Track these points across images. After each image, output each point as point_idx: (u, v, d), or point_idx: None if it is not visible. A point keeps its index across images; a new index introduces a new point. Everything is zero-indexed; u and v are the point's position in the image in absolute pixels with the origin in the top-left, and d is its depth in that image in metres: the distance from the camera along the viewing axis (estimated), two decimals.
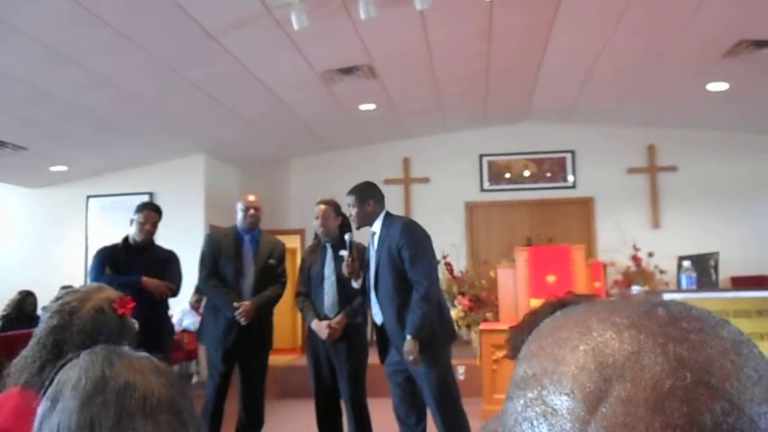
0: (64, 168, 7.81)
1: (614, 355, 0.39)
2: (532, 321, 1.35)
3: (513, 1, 4.60)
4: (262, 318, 3.91)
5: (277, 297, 4.01)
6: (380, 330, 3.40)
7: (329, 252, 3.79)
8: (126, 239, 4.13)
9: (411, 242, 3.25)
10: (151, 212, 4.13)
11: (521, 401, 0.42)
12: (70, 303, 1.41)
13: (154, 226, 4.13)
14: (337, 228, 3.81)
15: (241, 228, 3.98)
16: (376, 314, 3.39)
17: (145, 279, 3.88)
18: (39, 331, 1.41)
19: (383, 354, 3.43)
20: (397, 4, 4.37)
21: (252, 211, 3.96)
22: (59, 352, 1.34)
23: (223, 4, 4.31)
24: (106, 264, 4.00)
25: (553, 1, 4.75)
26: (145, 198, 7.94)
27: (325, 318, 3.70)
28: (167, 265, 4.15)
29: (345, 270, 3.48)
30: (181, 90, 5.72)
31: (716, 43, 5.33)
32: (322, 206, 3.80)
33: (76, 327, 1.37)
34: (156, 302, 3.90)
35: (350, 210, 3.46)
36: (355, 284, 3.50)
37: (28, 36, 4.28)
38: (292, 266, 10.07)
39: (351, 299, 3.71)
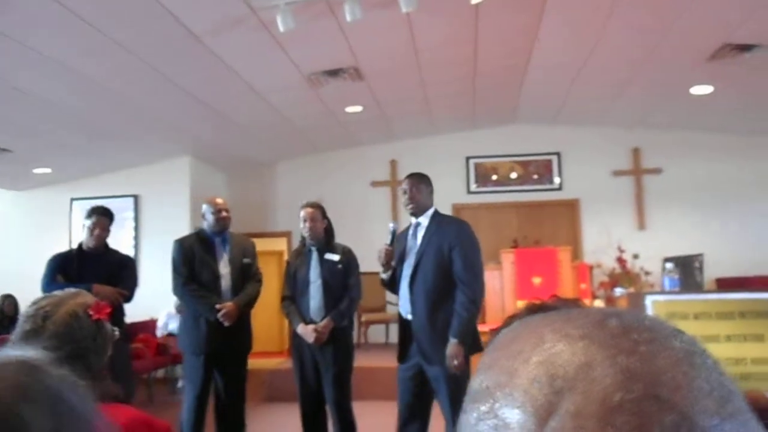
0: (48, 170, 7.73)
1: (565, 367, 0.38)
2: (512, 324, 1.34)
3: (499, 4, 4.61)
4: (242, 320, 3.87)
5: (257, 295, 3.98)
6: (404, 326, 3.33)
7: (315, 255, 3.77)
8: (80, 245, 4.04)
9: (466, 244, 3.27)
10: (101, 217, 4.02)
11: (474, 414, 0.41)
12: (44, 308, 1.39)
13: (105, 230, 4.03)
14: (323, 231, 3.80)
15: (212, 231, 3.92)
16: (404, 308, 3.32)
17: (96, 286, 3.76)
18: (13, 336, 1.38)
19: (403, 353, 3.32)
20: (382, 6, 4.37)
21: (224, 214, 3.92)
22: None
23: (209, 7, 4.29)
24: (59, 271, 3.91)
25: (539, 3, 4.77)
26: (130, 201, 7.90)
27: (312, 322, 3.68)
28: (121, 270, 4.05)
29: (381, 258, 3.34)
30: (167, 92, 5.68)
31: (701, 46, 5.39)
32: (310, 209, 3.78)
33: (49, 332, 1.35)
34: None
35: (409, 194, 3.35)
36: (384, 275, 3.40)
37: (11, 38, 4.23)
38: (278, 269, 10.08)
39: (337, 303, 3.69)
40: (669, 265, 3.48)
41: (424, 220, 3.38)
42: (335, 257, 3.75)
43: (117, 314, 4.00)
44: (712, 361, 0.40)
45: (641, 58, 5.76)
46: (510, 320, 1.40)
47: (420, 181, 3.42)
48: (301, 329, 3.67)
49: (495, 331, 1.44)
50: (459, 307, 3.17)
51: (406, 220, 3.67)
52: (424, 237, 3.34)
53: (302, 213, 3.79)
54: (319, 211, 3.80)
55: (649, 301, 2.81)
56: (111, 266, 4.03)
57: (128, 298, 4.03)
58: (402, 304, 3.34)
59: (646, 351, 0.38)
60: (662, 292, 3.26)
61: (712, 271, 6.49)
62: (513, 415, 0.38)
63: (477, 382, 0.43)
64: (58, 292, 1.46)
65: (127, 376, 4.08)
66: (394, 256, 3.40)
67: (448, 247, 3.25)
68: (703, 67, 5.78)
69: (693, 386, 0.37)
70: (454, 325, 3.15)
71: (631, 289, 6.11)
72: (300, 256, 3.86)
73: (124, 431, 1.30)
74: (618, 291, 5.13)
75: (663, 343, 0.39)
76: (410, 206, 3.37)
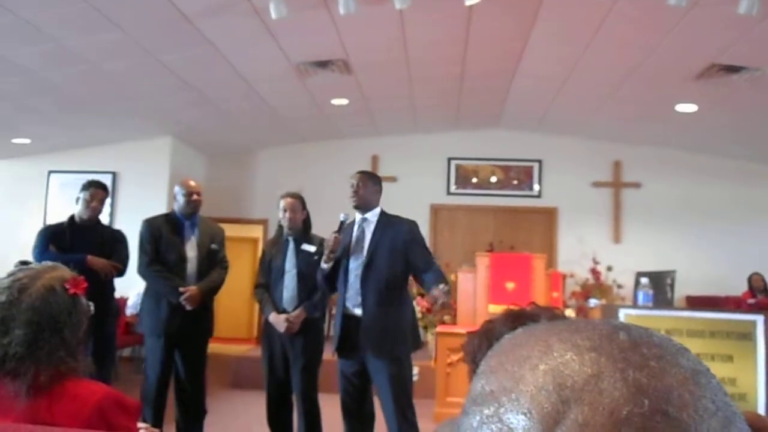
0: (26, 141, 7.60)
1: (573, 377, 0.39)
2: (490, 328, 1.35)
3: (492, 8, 4.62)
4: (204, 305, 3.84)
5: (222, 282, 3.96)
6: (347, 320, 3.34)
7: (291, 245, 3.76)
8: (72, 218, 4.04)
9: (420, 239, 3.44)
10: (98, 190, 4.05)
11: (477, 417, 0.41)
12: (20, 280, 1.38)
13: (101, 203, 4.07)
14: (301, 222, 3.79)
15: (182, 213, 3.89)
16: (351, 302, 3.33)
17: (90, 258, 3.80)
18: None
19: (344, 346, 3.35)
20: (376, 1, 4.35)
21: (195, 197, 3.88)
22: (6, 329, 1.32)
23: None
24: (51, 242, 3.91)
25: (532, 10, 4.79)
26: (108, 177, 7.79)
27: (284, 311, 3.67)
28: (114, 244, 4.07)
29: (329, 246, 3.35)
30: (153, 71, 5.60)
31: (688, 65, 5.45)
32: (290, 199, 3.77)
33: (25, 304, 1.34)
34: (101, 282, 3.81)
35: (355, 188, 3.41)
36: (325, 265, 3.39)
37: None
38: (253, 256, 10.03)
39: (311, 294, 3.68)
40: (644, 280, 3.52)
41: (372, 216, 3.44)
42: (312, 248, 3.74)
43: (108, 289, 3.98)
44: (716, 381, 0.41)
45: (628, 72, 5.81)
46: (489, 324, 1.41)
47: (368, 179, 3.50)
48: (273, 318, 3.67)
49: (472, 334, 1.44)
50: (436, 268, 3.29)
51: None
52: (375, 233, 3.38)
53: (282, 203, 3.78)
54: (299, 201, 3.80)
55: (622, 314, 2.84)
56: (103, 239, 4.03)
57: (121, 272, 4.05)
58: (349, 297, 3.35)
59: (655, 367, 0.39)
60: (635, 306, 3.30)
61: (683, 289, 6.59)
62: (518, 420, 0.39)
63: (479, 385, 0.43)
64: (35, 265, 1.44)
65: (110, 352, 4.06)
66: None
67: (402, 243, 3.33)
68: (690, 85, 5.85)
69: (699, 405, 0.38)
70: (434, 276, 3.22)
71: (604, 301, 6.18)
72: (276, 244, 3.86)
73: (96, 408, 1.28)
74: (592, 302, 5.19)
75: (671, 360, 0.40)
76: (354, 200, 3.42)
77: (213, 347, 4.05)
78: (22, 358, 1.28)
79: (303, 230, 3.79)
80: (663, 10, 4.34)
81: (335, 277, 3.42)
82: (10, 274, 1.40)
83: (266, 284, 3.81)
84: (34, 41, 4.77)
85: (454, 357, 4.87)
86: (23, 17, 4.39)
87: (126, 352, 7.16)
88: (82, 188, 4.06)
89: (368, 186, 3.45)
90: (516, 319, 1.32)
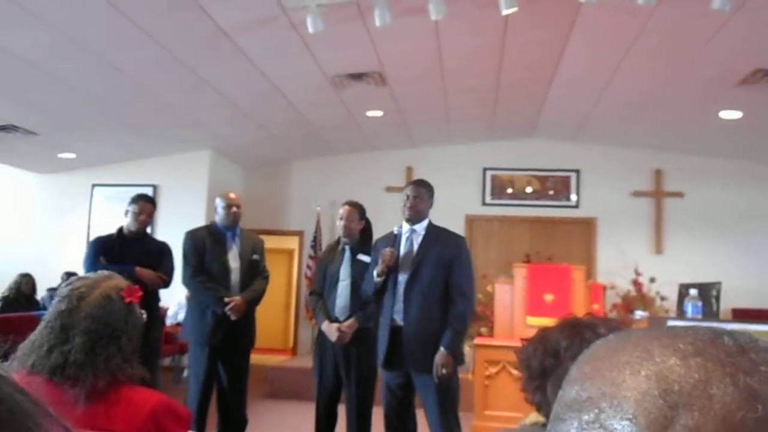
0: (72, 155, 7.83)
1: (680, 383, 0.38)
2: (545, 336, 1.35)
3: (529, 17, 4.59)
4: (247, 315, 3.90)
5: (263, 292, 4.01)
6: (393, 332, 3.31)
7: (348, 254, 3.75)
8: (120, 230, 4.16)
9: (466, 258, 3.35)
10: (146, 203, 4.17)
11: (575, 423, 0.41)
12: (79, 288, 1.43)
13: (149, 216, 4.18)
14: (359, 231, 3.78)
15: (223, 225, 3.97)
16: (397, 314, 3.31)
17: (138, 269, 3.89)
18: (48, 315, 1.42)
19: (390, 359, 3.31)
20: (412, 13, 4.37)
21: (234, 209, 3.96)
22: (66, 337, 1.36)
23: (240, 4, 4.32)
24: (101, 253, 4.03)
25: (569, 18, 4.75)
26: (149, 190, 7.97)
27: (336, 320, 3.66)
28: (160, 256, 4.18)
29: (385, 261, 3.29)
30: (191, 85, 5.72)
31: (731, 70, 5.33)
32: (347, 207, 3.78)
33: (83, 312, 1.39)
34: (148, 293, 3.89)
35: (412, 201, 3.37)
36: (378, 279, 3.35)
37: (45, 22, 4.28)
38: (288, 267, 10.11)
39: (363, 305, 3.64)
40: (693, 291, 3.43)
41: (420, 228, 3.39)
42: (367, 259, 3.70)
43: (153, 299, 4.07)
44: None
45: (668, 79, 5.71)
46: (544, 332, 1.40)
47: (425, 191, 3.45)
48: (326, 327, 3.66)
49: (526, 341, 1.44)
50: (454, 319, 3.20)
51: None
52: (422, 245, 3.35)
53: (340, 210, 3.79)
54: (356, 210, 3.79)
55: (669, 326, 2.77)
56: (150, 251, 4.14)
57: (167, 283, 4.15)
58: (397, 310, 3.32)
59: (766, 371, 0.39)
60: (683, 318, 3.22)
61: (727, 301, 6.40)
62: (622, 426, 0.38)
63: (574, 391, 0.43)
64: (91, 274, 1.49)
65: (154, 361, 4.15)
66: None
67: (448, 258, 3.28)
68: (733, 91, 5.72)
69: None
70: (448, 335, 3.17)
71: (648, 314, 6.04)
72: (332, 252, 3.86)
73: (150, 415, 1.31)
74: (638, 314, 5.07)
75: None
76: (409, 213, 3.38)
77: (251, 357, 4.09)
78: (81, 365, 1.32)
79: (361, 240, 3.77)
80: (704, 16, 4.26)
81: (384, 291, 3.39)
82: (69, 284, 1.45)
83: (321, 292, 3.81)
84: (78, 57, 4.92)
85: (493, 369, 4.81)
86: (68, 34, 4.53)
87: (166, 361, 7.27)
88: (130, 201, 4.16)
89: (424, 199, 3.41)
90: (573, 328, 1.31)
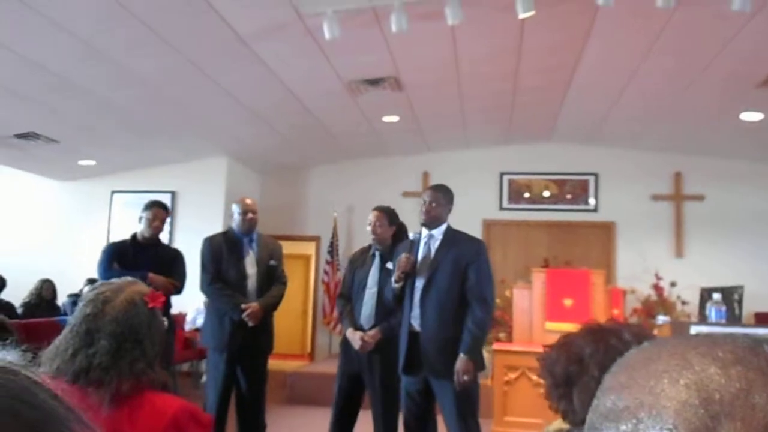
0: (92, 162, 7.93)
1: (720, 392, 0.38)
2: (569, 342, 1.33)
3: (545, 20, 4.57)
4: (265, 321, 3.90)
5: (281, 297, 4.01)
6: (411, 338, 3.28)
7: (377, 261, 3.69)
8: (134, 236, 4.19)
9: (484, 262, 3.30)
10: (159, 210, 4.21)
11: None
12: (104, 293, 1.45)
13: (163, 222, 4.22)
14: (389, 237, 3.71)
15: (239, 231, 3.98)
16: (415, 319, 3.28)
17: (151, 275, 3.92)
18: (73, 319, 1.45)
19: (409, 365, 3.29)
20: (428, 18, 4.37)
21: (251, 215, 3.97)
22: (91, 340, 1.38)
23: (257, 10, 4.35)
24: (114, 259, 4.07)
25: (587, 20, 4.72)
26: (168, 196, 8.04)
27: (360, 328, 3.62)
28: (173, 262, 4.20)
29: (401, 266, 3.28)
30: (210, 92, 5.77)
31: (751, 72, 5.26)
32: (376, 212, 3.72)
33: (108, 316, 1.40)
34: None
35: (428, 206, 3.34)
36: (396, 285, 3.33)
37: (66, 30, 4.35)
38: (305, 273, 10.14)
39: (389, 313, 3.58)
40: (716, 296, 3.37)
41: (438, 233, 3.36)
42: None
43: (166, 305, 4.09)
44: None
45: (688, 81, 5.64)
46: (567, 338, 1.38)
47: (442, 196, 3.41)
48: (350, 334, 3.63)
49: (548, 348, 1.42)
50: (473, 323, 3.16)
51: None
52: (439, 249, 3.32)
53: (369, 216, 3.74)
54: (385, 215, 3.72)
55: (693, 331, 2.73)
56: (163, 258, 4.17)
57: (179, 290, 4.17)
58: (414, 315, 3.30)
59: None
60: (706, 323, 3.17)
61: (750, 305, 6.30)
62: None
63: (609, 401, 0.42)
64: (116, 280, 1.51)
65: (168, 365, 4.17)
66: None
67: (465, 262, 3.24)
68: (755, 93, 5.64)
69: None
70: (466, 340, 3.14)
71: (670, 318, 5.97)
72: (364, 255, 3.81)
73: (172, 420, 1.32)
74: (660, 319, 5.00)
75: None
76: (425, 218, 3.35)
77: (269, 362, 4.10)
78: (106, 368, 1.33)
79: (392, 247, 3.67)
80: (724, 18, 4.21)
81: (404, 296, 3.37)
82: (94, 288, 1.47)
83: (349, 295, 3.77)
84: (98, 65, 4.98)
85: (512, 375, 4.77)
86: (88, 42, 4.59)
87: (185, 366, 7.31)
88: (144, 208, 4.20)
89: (441, 203, 3.37)
90: (596, 334, 1.29)
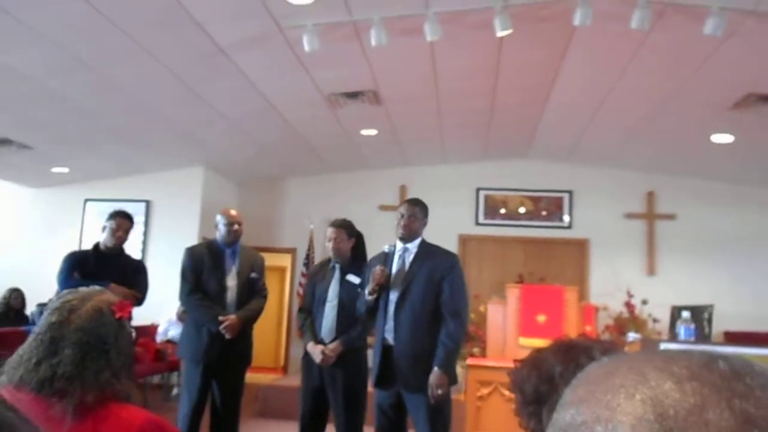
0: (65, 170, 7.80)
1: (675, 407, 0.38)
2: (539, 358, 1.33)
3: (523, 38, 4.64)
4: (243, 333, 3.86)
5: (261, 310, 3.98)
6: (386, 351, 3.27)
7: (337, 274, 3.71)
8: (96, 245, 4.12)
9: (458, 276, 3.30)
10: (123, 219, 4.13)
11: None
12: (70, 301, 1.41)
13: (126, 233, 4.14)
14: (349, 250, 3.73)
15: (223, 242, 3.94)
16: (388, 332, 3.28)
17: (112, 286, 3.81)
18: (37, 327, 1.41)
19: (383, 379, 3.28)
20: (408, 34, 4.41)
21: (236, 227, 3.94)
22: (56, 350, 1.34)
23: (237, 21, 4.34)
24: (75, 269, 3.98)
25: (564, 40, 4.80)
26: (142, 205, 7.94)
27: (321, 342, 3.61)
28: (135, 273, 4.13)
29: (376, 279, 3.27)
30: (188, 102, 5.73)
31: (724, 94, 5.39)
32: (333, 229, 3.73)
33: (74, 325, 1.37)
34: None
35: (406, 220, 3.34)
36: (369, 297, 3.32)
37: (42, 36, 4.29)
38: (280, 285, 10.06)
39: (350, 326, 3.60)
40: (685, 314, 3.43)
41: (413, 247, 3.38)
42: (357, 280, 3.66)
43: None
44: None
45: (661, 102, 5.76)
46: (538, 354, 1.39)
47: (419, 210, 3.43)
48: (311, 347, 3.62)
49: (519, 363, 1.42)
50: (446, 337, 3.17)
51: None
52: (413, 263, 3.33)
53: (327, 232, 3.75)
54: (344, 230, 3.73)
55: (663, 348, 2.76)
56: (125, 268, 4.10)
57: (140, 302, 4.09)
58: (388, 329, 3.29)
59: (761, 396, 0.38)
60: (676, 341, 3.21)
61: (719, 324, 6.40)
62: None
63: (568, 415, 0.42)
64: (84, 289, 1.47)
65: (130, 378, 4.07)
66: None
67: (439, 276, 3.25)
68: (726, 115, 5.78)
69: None
70: (440, 354, 3.14)
71: (641, 336, 6.04)
72: (323, 269, 3.82)
73: None
74: (631, 336, 5.06)
75: None
76: (402, 232, 3.36)
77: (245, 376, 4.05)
78: (70, 378, 1.30)
79: (352, 257, 3.72)
80: (698, 41, 4.31)
81: (377, 309, 3.36)
82: (61, 296, 1.44)
83: (309, 309, 3.77)
84: (74, 72, 4.92)
85: (485, 390, 4.78)
86: (65, 49, 4.54)
87: (155, 379, 7.19)
88: (108, 217, 4.13)
89: (418, 218, 3.39)
90: (567, 352, 1.30)
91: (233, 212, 4.00)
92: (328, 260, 3.82)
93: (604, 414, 0.40)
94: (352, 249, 3.76)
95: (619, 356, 0.45)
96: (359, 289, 3.59)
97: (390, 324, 3.28)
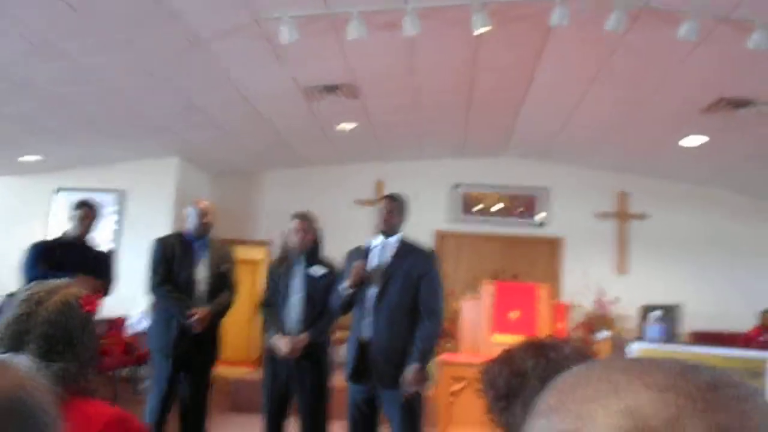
0: (36, 158, 7.63)
1: (651, 419, 0.37)
2: (510, 356, 1.34)
3: (500, 37, 4.66)
4: (212, 329, 3.83)
5: (230, 304, 3.95)
6: (362, 346, 3.26)
7: (300, 267, 3.71)
8: (63, 235, 4.08)
9: (436, 275, 3.31)
10: (89, 209, 4.10)
11: None
12: (37, 293, 1.38)
13: (92, 222, 4.10)
14: (311, 242, 3.74)
15: (194, 234, 3.90)
16: (365, 327, 3.27)
17: (79, 277, 3.77)
18: (2, 320, 1.37)
19: (357, 373, 3.27)
20: (386, 28, 4.40)
21: (207, 218, 3.90)
22: (21, 342, 1.31)
23: (213, 12, 4.28)
24: (41, 259, 3.92)
25: (540, 40, 4.83)
26: (115, 195, 7.81)
27: (289, 334, 3.61)
28: (102, 264, 4.10)
29: (357, 274, 3.25)
30: (162, 92, 5.65)
31: (696, 98, 5.47)
32: (298, 221, 3.73)
33: (41, 317, 1.34)
34: None
35: (386, 215, 3.34)
36: (347, 291, 3.29)
37: (14, 23, 4.18)
38: (254, 278, 9.99)
39: (317, 318, 3.62)
40: (656, 314, 3.48)
41: (392, 242, 3.38)
42: (320, 271, 3.69)
43: None
44: None
45: (635, 104, 5.84)
46: (509, 353, 1.39)
47: (399, 205, 3.44)
48: (276, 339, 3.61)
49: (490, 362, 1.43)
50: (423, 334, 3.18)
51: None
52: (392, 259, 3.32)
53: (292, 224, 3.74)
54: (308, 222, 3.75)
55: (634, 348, 2.80)
56: (91, 259, 4.05)
57: (107, 291, 4.04)
58: (365, 324, 3.29)
59: (738, 408, 0.38)
60: (646, 341, 3.25)
61: (689, 323, 6.53)
62: None
63: (540, 424, 0.41)
64: (52, 281, 1.44)
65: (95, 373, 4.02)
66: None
67: (418, 273, 3.26)
68: (697, 119, 5.87)
69: None
70: (416, 352, 3.15)
71: (611, 333, 6.12)
72: (283, 264, 3.80)
73: (105, 429, 1.26)
74: (601, 335, 5.12)
75: (752, 401, 0.39)
76: (382, 226, 3.36)
77: (213, 369, 4.02)
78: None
79: (311, 251, 3.73)
80: (670, 45, 4.37)
81: (353, 304, 3.35)
82: (27, 288, 1.40)
83: (272, 303, 3.75)
84: (47, 60, 4.81)
85: (457, 386, 4.81)
86: (37, 36, 4.44)
87: (124, 372, 7.09)
88: (74, 207, 4.09)
89: (397, 213, 3.40)
90: (537, 348, 1.31)
91: (204, 203, 3.96)
92: (286, 255, 3.81)
93: (577, 424, 0.39)
94: (313, 241, 3.76)
95: (591, 364, 0.44)
96: (323, 280, 3.62)
97: (367, 319, 3.27)
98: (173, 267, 3.81)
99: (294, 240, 3.71)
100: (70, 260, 3.89)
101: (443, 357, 5.38)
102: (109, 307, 5.24)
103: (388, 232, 3.37)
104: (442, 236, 8.51)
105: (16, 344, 1.31)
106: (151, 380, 3.90)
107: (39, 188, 8.11)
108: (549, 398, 0.43)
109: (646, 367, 0.41)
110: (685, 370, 0.40)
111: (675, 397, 0.38)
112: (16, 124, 6.41)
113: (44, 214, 8.02)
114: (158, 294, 3.82)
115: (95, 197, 4.40)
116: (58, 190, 8.07)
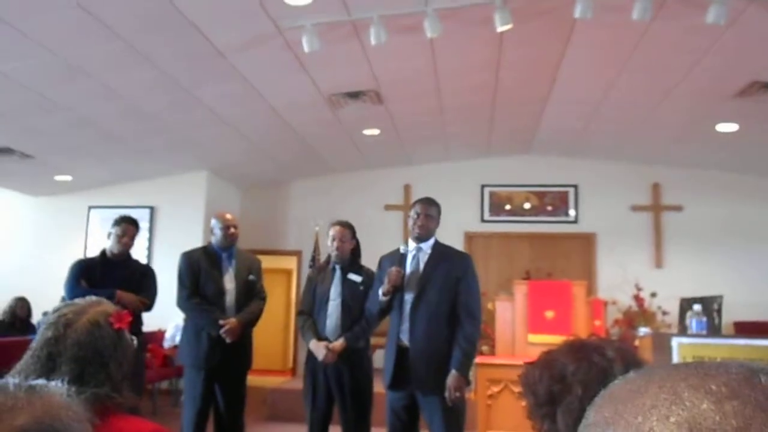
0: (68, 178, 7.80)
1: (715, 430, 0.34)
2: (551, 359, 1.30)
3: (523, 33, 4.60)
4: (244, 336, 3.84)
5: (260, 313, 3.97)
6: (399, 352, 3.24)
7: (338, 274, 3.73)
8: (103, 252, 4.11)
9: (473, 277, 3.30)
10: (129, 225, 4.13)
11: None
12: (65, 315, 1.38)
13: (132, 239, 4.14)
14: (350, 251, 3.76)
15: (219, 246, 3.93)
16: (403, 333, 3.24)
17: (119, 293, 3.83)
18: (34, 344, 1.37)
19: (395, 380, 3.24)
20: (407, 31, 4.38)
21: (232, 230, 3.93)
22: (53, 365, 1.31)
23: (235, 24, 4.32)
24: (82, 277, 3.98)
25: (564, 34, 4.76)
26: (146, 211, 7.93)
27: (326, 340, 3.61)
28: (142, 279, 4.13)
29: (392, 280, 3.22)
30: (188, 107, 5.72)
31: (727, 83, 5.33)
32: (339, 228, 3.75)
33: (70, 340, 1.34)
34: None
35: (421, 220, 3.30)
36: (383, 298, 3.27)
37: (40, 45, 4.27)
38: (287, 288, 10.05)
39: (353, 324, 3.62)
40: (696, 307, 3.38)
41: (426, 247, 3.34)
42: (358, 278, 3.70)
43: (135, 323, 4.00)
44: None
45: (664, 93, 5.71)
46: (549, 355, 1.35)
47: (433, 208, 3.41)
48: (313, 345, 3.61)
49: (531, 365, 1.39)
50: (463, 339, 3.15)
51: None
52: (428, 263, 3.29)
53: (331, 231, 3.77)
54: (348, 230, 3.78)
55: (674, 343, 2.72)
56: (133, 274, 4.10)
57: (149, 307, 4.09)
58: (403, 330, 3.26)
59: None
60: (687, 335, 3.17)
61: (729, 315, 6.34)
62: None
63: None
64: (79, 301, 1.44)
65: (138, 386, 4.08)
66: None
67: (455, 277, 3.23)
68: (730, 104, 5.72)
69: None
70: (457, 356, 3.11)
71: (648, 329, 5.99)
72: (323, 272, 3.83)
73: None
74: (642, 331, 4.99)
75: None
76: (419, 231, 3.32)
77: (248, 379, 4.03)
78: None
79: (351, 259, 3.75)
80: (700, 30, 4.27)
81: (389, 310, 3.33)
82: (56, 310, 1.40)
83: (310, 311, 3.76)
84: (74, 80, 4.91)
85: (495, 389, 4.74)
86: (63, 56, 4.53)
87: (164, 384, 7.18)
88: (113, 224, 4.14)
89: (433, 216, 3.37)
90: (579, 351, 1.27)
91: (228, 216, 3.99)
92: (327, 262, 3.83)
93: None
94: (352, 250, 3.77)
95: (646, 372, 0.41)
96: (361, 287, 3.61)
97: (405, 325, 3.24)
98: (201, 280, 3.84)
99: (332, 247, 3.71)
100: (111, 277, 3.95)
101: (480, 359, 5.31)
102: (146, 322, 5.33)
103: (424, 237, 3.34)
104: (471, 237, 8.45)
105: (47, 368, 1.30)
106: (185, 394, 3.93)
107: (73, 207, 8.28)
108: (603, 409, 0.40)
109: (708, 373, 0.38)
110: (751, 374, 0.37)
111: (741, 406, 0.35)
112: (45, 145, 6.55)
113: (80, 231, 8.18)
114: (187, 307, 3.86)
115: (126, 214, 4.45)
116: (90, 208, 8.23)
